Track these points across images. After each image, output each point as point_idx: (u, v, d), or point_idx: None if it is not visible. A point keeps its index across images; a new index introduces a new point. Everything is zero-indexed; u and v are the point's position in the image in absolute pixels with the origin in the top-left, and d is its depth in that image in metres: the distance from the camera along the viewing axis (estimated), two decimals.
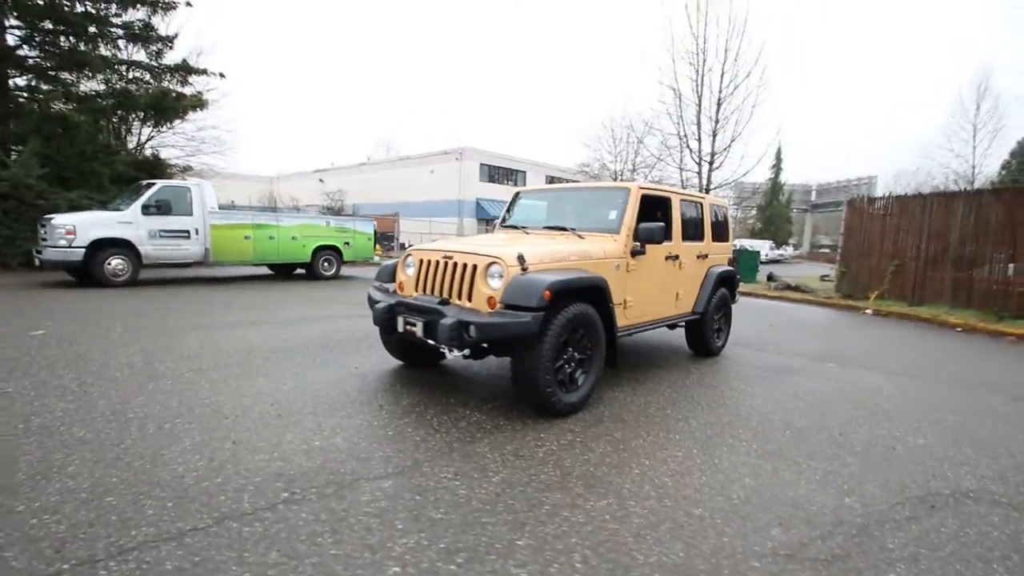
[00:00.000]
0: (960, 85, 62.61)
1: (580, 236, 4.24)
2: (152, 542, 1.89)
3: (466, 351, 3.34)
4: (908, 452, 3.16)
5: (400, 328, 3.61)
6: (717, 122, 17.65)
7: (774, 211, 41.56)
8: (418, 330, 3.45)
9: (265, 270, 12.44)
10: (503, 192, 32.52)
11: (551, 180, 36.32)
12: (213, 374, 4.00)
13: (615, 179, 28.74)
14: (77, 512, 2.06)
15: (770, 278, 18.34)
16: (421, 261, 3.87)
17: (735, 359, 5.54)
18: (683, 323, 5.21)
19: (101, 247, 8.58)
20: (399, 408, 3.47)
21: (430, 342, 3.39)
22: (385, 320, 3.69)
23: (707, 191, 18.25)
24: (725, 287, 5.69)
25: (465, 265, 3.53)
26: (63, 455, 2.54)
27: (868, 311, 10.76)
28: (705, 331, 5.37)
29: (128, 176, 13.28)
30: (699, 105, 17.56)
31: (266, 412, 3.26)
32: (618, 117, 37.85)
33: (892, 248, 11.89)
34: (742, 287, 11.46)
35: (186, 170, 17.12)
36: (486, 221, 31.16)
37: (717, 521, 2.25)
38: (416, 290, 3.85)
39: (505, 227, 5.05)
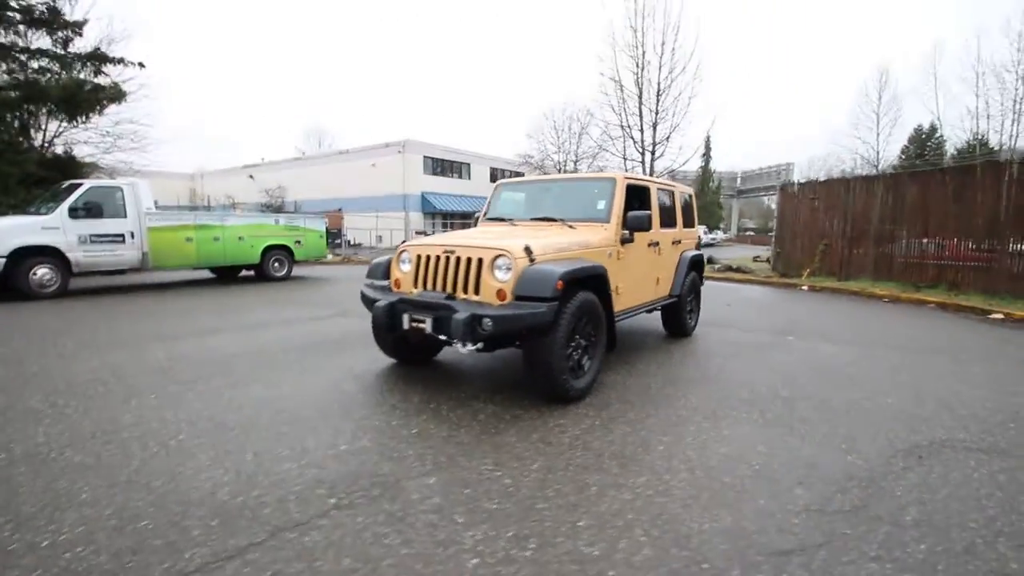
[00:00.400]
0: (865, 78, 68.49)
1: (571, 226, 4.33)
2: (213, 563, 1.80)
3: (479, 344, 3.36)
4: (882, 412, 3.51)
5: (405, 325, 3.56)
6: (657, 113, 18.36)
7: (706, 198, 43.79)
8: (427, 326, 3.42)
9: (207, 273, 11.69)
10: (449, 185, 32.20)
11: (496, 172, 36.33)
12: (199, 386, 3.77)
13: (559, 170, 29.25)
14: (113, 541, 1.92)
15: (709, 261, 19.42)
16: (419, 257, 3.82)
17: (706, 338, 5.88)
18: (660, 306, 5.46)
19: (24, 256, 7.73)
20: (412, 406, 3.43)
21: (441, 338, 3.38)
22: (387, 318, 3.62)
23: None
24: (695, 270, 6.01)
25: (469, 259, 3.53)
26: (68, 483, 2.34)
27: (804, 287, 11.66)
28: (680, 313, 5.66)
29: (36, 177, 11.99)
30: (640, 97, 18.18)
31: (275, 420, 3.13)
32: (559, 109, 38.36)
33: (821, 229, 12.93)
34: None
35: (100, 168, 15.65)
36: (432, 215, 30.76)
37: (747, 487, 2.43)
38: (416, 287, 3.80)
39: (489, 220, 5.06)
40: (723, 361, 4.83)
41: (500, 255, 3.41)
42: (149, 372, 4.10)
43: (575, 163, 29.03)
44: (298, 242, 11.51)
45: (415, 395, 3.66)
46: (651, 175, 18.80)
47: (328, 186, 31.54)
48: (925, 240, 10.88)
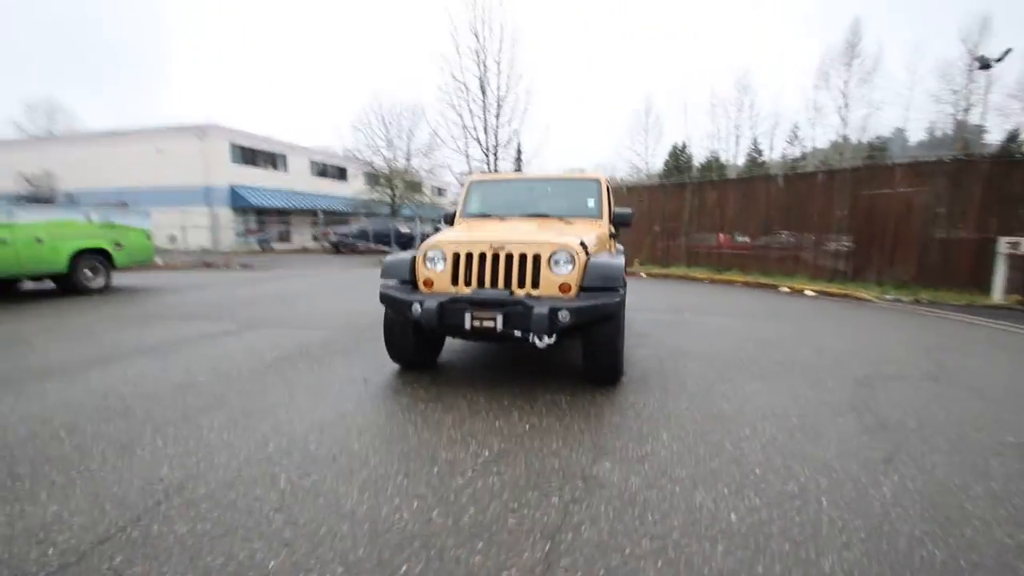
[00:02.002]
0: (638, 99, 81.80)
1: (569, 222, 4.64)
2: None
3: (554, 337, 3.46)
4: (811, 362, 4.70)
5: (467, 325, 3.45)
6: (498, 117, 19.43)
7: None
8: (497, 323, 3.39)
9: None
10: (264, 177, 28.53)
11: (318, 165, 33.49)
12: (186, 427, 3.01)
13: (389, 166, 28.49)
14: None
15: None
16: (456, 255, 3.70)
17: (632, 319, 6.77)
18: None
19: None
20: (479, 405, 3.37)
21: (516, 333, 3.39)
22: (439, 318, 3.45)
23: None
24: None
25: (524, 255, 3.59)
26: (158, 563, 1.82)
27: (643, 275, 13.86)
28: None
29: None
30: (484, 100, 18.98)
31: (332, 453, 2.71)
32: (388, 103, 36.94)
33: (647, 225, 15.50)
34: None
35: None
36: (245, 210, 26.88)
37: (808, 429, 3.13)
38: (455, 285, 3.68)
39: (471, 216, 5.03)
40: (664, 335, 5.71)
41: (559, 250, 3.57)
42: (97, 419, 3.09)
43: (407, 159, 28.62)
44: (118, 244, 9.16)
45: (465, 397, 3.57)
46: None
47: (108, 174, 24.95)
48: (720, 234, 14.03)
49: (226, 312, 6.98)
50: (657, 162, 51.05)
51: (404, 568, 1.73)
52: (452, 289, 3.68)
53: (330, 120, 77.66)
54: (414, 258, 3.86)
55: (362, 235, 22.92)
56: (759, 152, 45.89)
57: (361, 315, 6.70)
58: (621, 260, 3.68)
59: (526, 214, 4.85)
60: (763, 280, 11.58)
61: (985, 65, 18.91)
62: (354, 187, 30.34)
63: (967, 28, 38.75)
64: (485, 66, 18.48)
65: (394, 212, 28.51)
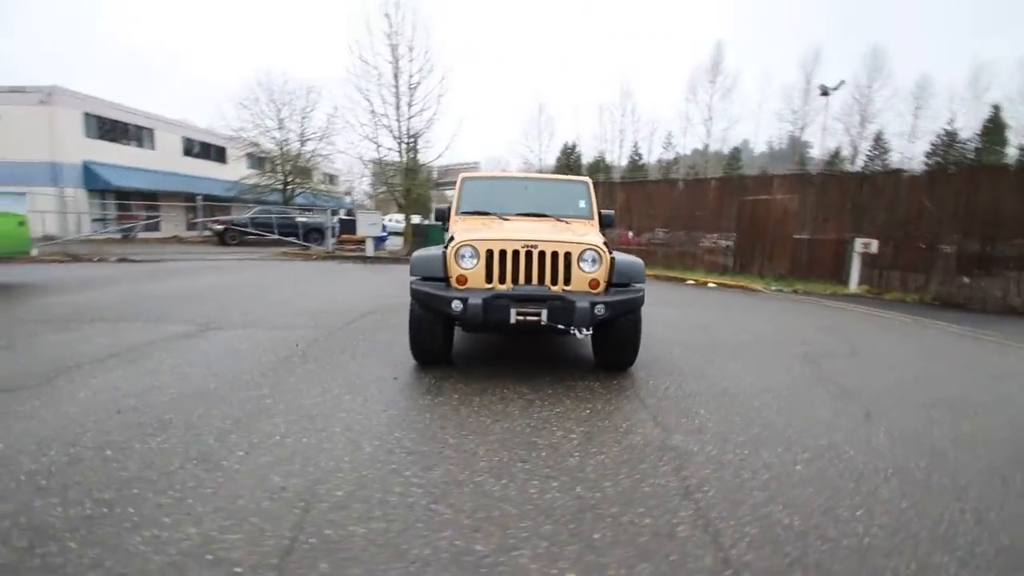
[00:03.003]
0: (532, 99, 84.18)
1: (567, 222, 4.97)
2: None
3: (591, 329, 3.78)
4: (763, 345, 5.59)
5: (512, 319, 3.65)
6: (411, 105, 19.02)
7: (418, 190, 46.51)
8: (542, 317, 3.64)
9: None
10: (127, 155, 24.61)
11: (193, 143, 29.74)
12: (254, 435, 2.87)
13: (280, 148, 26.37)
14: None
15: None
16: (490, 252, 3.86)
17: None
18: None
19: None
20: (527, 395, 3.60)
21: (559, 326, 3.66)
22: (485, 313, 3.61)
23: (407, 171, 19.62)
24: None
25: (556, 253, 3.86)
26: None
27: None
28: None
29: None
30: (396, 87, 18.44)
31: (436, 448, 2.85)
32: (281, 80, 33.50)
33: None
34: None
35: None
36: (103, 192, 23.01)
37: (797, 399, 3.86)
38: (489, 282, 3.84)
39: (468, 214, 5.12)
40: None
41: (588, 249, 3.90)
42: (145, 451, 2.77)
43: (300, 142, 26.67)
44: None
45: (510, 390, 3.77)
46: (407, 166, 19.41)
47: None
48: (630, 232, 15.36)
49: (161, 312, 6.21)
50: (549, 159, 53.29)
51: (597, 536, 1.97)
52: (486, 286, 3.83)
53: (214, 98, 68.87)
54: (444, 255, 3.92)
55: (260, 224, 20.96)
56: (639, 155, 50.03)
57: (325, 314, 6.40)
58: (637, 259, 4.12)
59: (523, 213, 5.07)
60: (670, 274, 12.97)
61: (825, 92, 22.74)
62: (238, 171, 27.48)
63: (805, 58, 46.06)
64: (397, 53, 17.96)
65: (286, 200, 26.46)
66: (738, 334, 5.99)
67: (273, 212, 22.66)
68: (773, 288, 11.11)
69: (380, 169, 23.51)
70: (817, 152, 43.91)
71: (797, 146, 48.08)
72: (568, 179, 5.73)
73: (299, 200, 27.59)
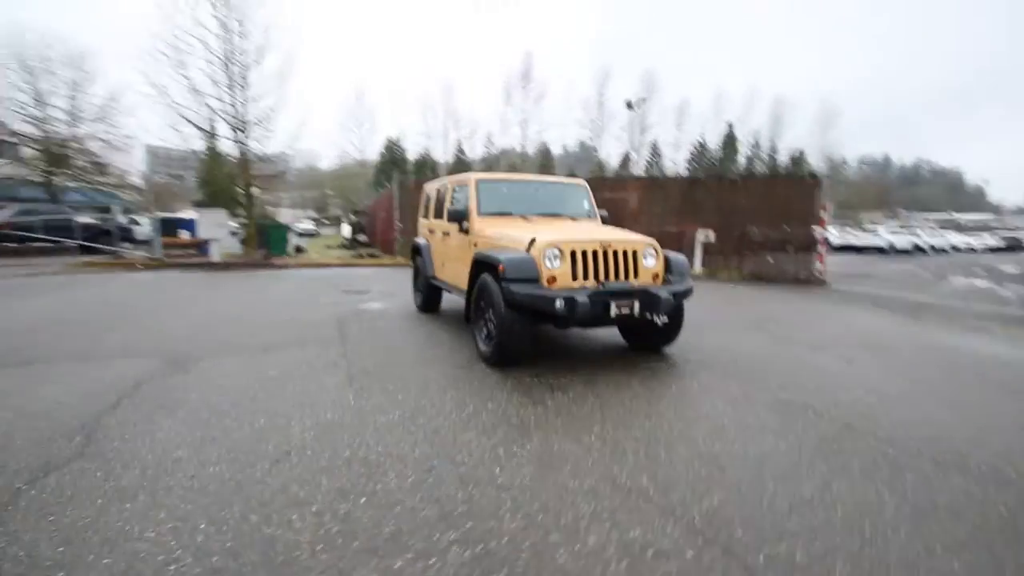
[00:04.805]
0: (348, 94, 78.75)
1: (579, 221, 5.37)
2: None
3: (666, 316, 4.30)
4: (708, 319, 6.80)
5: (613, 312, 3.97)
6: (244, 88, 16.66)
7: (218, 182, 39.95)
8: (634, 309, 4.04)
9: None
10: None
11: None
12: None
13: (40, 130, 20.31)
14: None
15: (299, 250, 19.72)
16: (573, 252, 4.10)
17: None
18: None
19: None
20: (617, 382, 3.99)
21: (648, 316, 4.10)
22: (592, 309, 3.87)
23: (246, 162, 17.20)
24: None
25: (625, 251, 4.29)
26: None
27: None
28: None
29: None
30: (228, 69, 15.93)
31: (583, 437, 3.13)
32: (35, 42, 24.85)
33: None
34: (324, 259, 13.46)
35: None
36: None
37: (783, 355, 4.99)
38: (576, 280, 4.09)
39: (490, 215, 5.12)
40: None
41: (648, 246, 4.41)
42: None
43: (72, 121, 20.92)
44: None
45: (565, 379, 4.10)
46: (246, 156, 17.04)
47: None
48: None
49: (76, 343, 4.68)
50: (372, 153, 51.31)
51: (775, 489, 2.54)
52: (574, 284, 4.08)
53: None
54: (533, 258, 4.02)
55: (21, 226, 15.86)
56: (463, 152, 51.54)
57: (303, 325, 5.62)
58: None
59: (541, 213, 5.30)
60: None
61: (630, 106, 26.82)
62: None
63: (597, 75, 52.91)
64: (228, 26, 15.44)
65: (53, 197, 20.63)
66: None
67: (39, 211, 17.54)
68: None
69: (211, 160, 20.02)
70: (604, 155, 50.95)
71: (588, 151, 55.14)
72: (569, 181, 6.10)
73: (76, 197, 21.74)
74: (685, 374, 4.17)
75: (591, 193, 5.87)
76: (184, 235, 16.88)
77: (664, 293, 4.12)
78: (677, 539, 1.94)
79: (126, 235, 18.74)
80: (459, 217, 5.20)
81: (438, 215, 6.43)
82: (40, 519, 2.02)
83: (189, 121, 16.29)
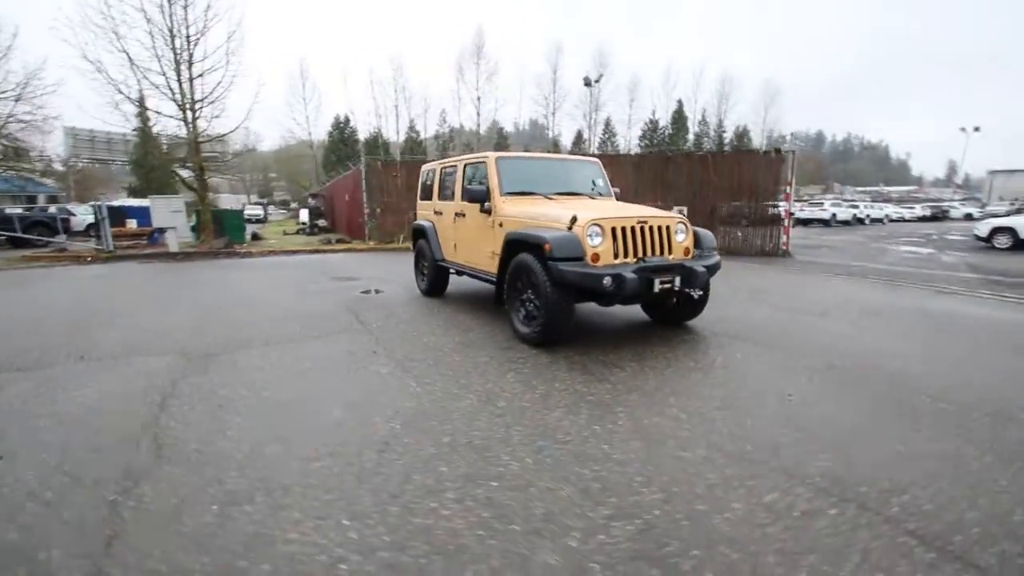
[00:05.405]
0: (291, 70, 74.13)
1: (596, 199, 5.39)
2: None
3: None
4: None
5: (656, 288, 4.04)
6: (191, 65, 15.46)
7: (154, 166, 36.95)
8: (675, 284, 4.14)
9: None
10: None
11: None
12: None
13: None
14: None
15: (255, 237, 18.79)
16: (613, 229, 4.14)
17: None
18: None
19: None
20: (664, 359, 4.10)
21: (687, 290, 4.22)
22: (639, 285, 3.93)
23: (197, 145, 16.03)
24: None
25: (659, 227, 4.37)
26: None
27: None
28: None
29: None
30: (172, 41, 14.70)
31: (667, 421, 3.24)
32: None
33: (406, 203, 15.95)
34: (289, 246, 13.06)
35: None
36: None
37: (799, 322, 5.27)
38: (619, 256, 4.14)
39: (512, 194, 5.04)
40: None
41: (680, 222, 4.51)
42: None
43: None
44: None
45: (644, 353, 4.19)
46: (197, 139, 15.91)
47: None
48: None
49: (74, 343, 4.29)
50: (319, 132, 49.07)
51: (869, 446, 2.74)
52: (615, 261, 4.12)
53: None
54: (577, 237, 4.02)
55: None
56: (416, 131, 50.21)
57: (313, 316, 5.39)
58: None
59: (560, 192, 5.28)
60: None
61: (588, 83, 26.89)
62: None
63: (549, 52, 52.50)
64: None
65: None
66: None
67: None
68: None
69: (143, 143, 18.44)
70: (556, 133, 51.10)
71: (538, 128, 55.03)
72: (583, 159, 6.08)
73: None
74: (722, 345, 4.33)
75: (603, 170, 5.90)
76: (131, 224, 15.69)
77: (699, 267, 4.24)
78: (811, 499, 2.05)
79: (64, 226, 17.19)
80: (479, 197, 5.10)
81: (444, 196, 6.29)
82: (159, 530, 1.88)
83: (130, 99, 15.05)
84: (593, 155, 15.56)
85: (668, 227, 4.39)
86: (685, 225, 4.53)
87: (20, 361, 3.96)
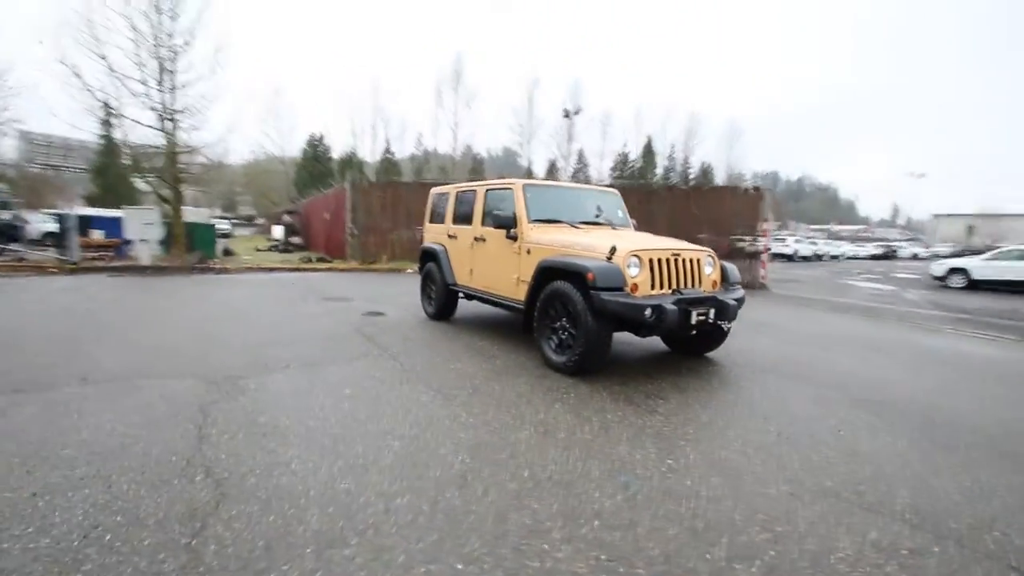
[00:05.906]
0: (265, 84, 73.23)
1: (618, 230, 5.48)
2: None
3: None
4: None
5: (693, 320, 4.09)
6: (174, 74, 15.04)
7: (115, 174, 35.24)
8: (710, 316, 4.21)
9: None
10: None
11: None
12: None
13: None
14: None
15: (227, 252, 18.18)
16: (651, 261, 4.20)
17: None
18: None
19: None
20: (709, 385, 4.15)
21: (719, 323, 4.29)
22: (679, 317, 3.97)
23: (175, 156, 15.43)
24: None
25: (690, 260, 4.46)
26: None
27: (409, 270, 14.28)
28: None
29: None
30: (157, 50, 14.29)
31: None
32: None
33: (392, 223, 15.80)
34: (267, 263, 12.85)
35: None
36: None
37: (805, 318, 5.45)
38: (655, 287, 4.20)
39: (540, 222, 5.06)
40: None
41: (709, 255, 4.62)
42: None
43: None
44: None
45: (684, 384, 4.22)
46: (175, 151, 15.36)
47: None
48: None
49: (73, 364, 3.95)
50: (293, 150, 48.24)
51: (939, 482, 2.85)
52: (652, 292, 4.17)
53: None
54: (618, 267, 4.05)
55: None
56: (392, 152, 50.11)
57: (322, 337, 5.18)
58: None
59: (586, 222, 5.33)
60: None
61: (567, 115, 27.62)
62: None
63: (528, 82, 53.85)
64: (158, 4, 13.78)
65: None
66: None
67: None
68: None
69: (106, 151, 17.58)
70: (529, 162, 52.00)
71: (511, 155, 55.87)
72: (605, 190, 6.17)
73: None
74: (751, 377, 4.41)
75: (622, 201, 6.02)
76: (98, 235, 14.85)
77: (731, 300, 4.33)
78: (912, 536, 2.08)
79: (16, 234, 16.12)
80: (506, 223, 5.09)
81: (459, 220, 6.25)
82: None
83: (107, 106, 14.47)
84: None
85: (699, 260, 4.49)
86: (713, 259, 4.64)
87: (14, 381, 3.63)
